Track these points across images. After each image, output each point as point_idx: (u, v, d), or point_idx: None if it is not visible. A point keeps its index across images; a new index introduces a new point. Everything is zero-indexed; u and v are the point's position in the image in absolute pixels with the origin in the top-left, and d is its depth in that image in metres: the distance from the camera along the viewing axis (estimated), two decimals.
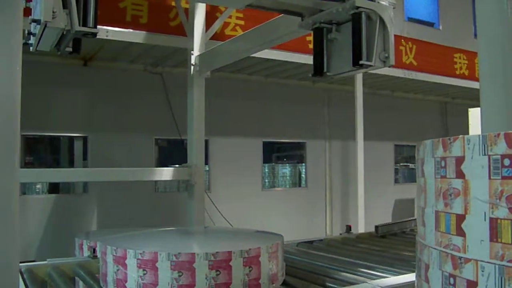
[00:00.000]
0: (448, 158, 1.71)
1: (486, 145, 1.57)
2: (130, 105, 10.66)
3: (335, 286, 4.01)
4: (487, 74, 3.97)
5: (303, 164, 13.53)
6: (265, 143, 12.67)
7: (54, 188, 10.52)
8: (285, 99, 12.65)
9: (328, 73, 5.06)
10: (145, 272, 3.61)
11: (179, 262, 3.57)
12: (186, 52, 8.93)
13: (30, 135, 9.63)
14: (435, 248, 1.77)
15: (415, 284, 2.06)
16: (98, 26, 8.44)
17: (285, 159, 13.81)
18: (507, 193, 1.51)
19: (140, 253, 3.64)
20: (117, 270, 3.75)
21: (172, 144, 11.65)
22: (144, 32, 8.69)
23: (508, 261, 1.50)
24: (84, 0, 3.54)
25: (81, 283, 4.64)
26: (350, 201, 12.79)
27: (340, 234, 6.80)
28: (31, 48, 3.99)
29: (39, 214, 9.61)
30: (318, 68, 5.12)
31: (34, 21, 3.38)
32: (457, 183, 1.66)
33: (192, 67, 8.60)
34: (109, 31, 8.18)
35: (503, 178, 1.52)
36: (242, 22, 9.48)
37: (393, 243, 6.06)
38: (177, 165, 9.92)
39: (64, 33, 3.59)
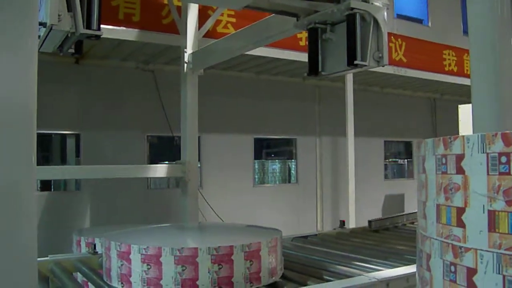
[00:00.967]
0: (449, 156, 1.84)
1: (484, 144, 1.71)
2: (122, 102, 10.72)
3: (332, 279, 4.13)
4: (478, 71, 4.11)
5: (293, 160, 13.65)
6: (255, 140, 12.78)
7: (46, 185, 10.55)
8: (276, 95, 12.76)
9: (323, 73, 5.18)
10: (149, 266, 3.71)
11: (182, 257, 3.67)
12: (178, 49, 9.00)
13: None
14: (436, 239, 1.90)
15: (416, 273, 2.18)
16: None
17: (273, 155, 13.91)
18: (504, 188, 1.65)
19: (144, 248, 3.73)
20: (121, 265, 3.85)
21: (162, 141, 11.73)
22: (136, 30, 8.75)
23: (505, 250, 1.64)
24: (87, 3, 3.61)
25: (79, 277, 4.72)
26: (341, 197, 12.96)
27: (334, 229, 6.93)
28: None
29: None
30: (313, 68, 5.24)
31: (40, 24, 3.46)
32: (458, 179, 1.80)
33: (185, 65, 8.67)
34: (101, 29, 8.22)
35: (500, 174, 1.66)
36: (233, 20, 9.57)
37: (386, 237, 6.21)
38: (167, 162, 10.02)
39: (69, 35, 3.67)
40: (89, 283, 4.51)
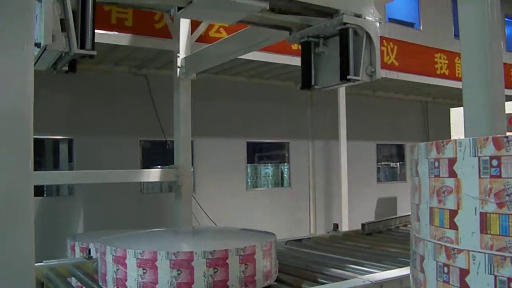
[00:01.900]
0: (441, 159, 1.88)
1: (476, 148, 1.75)
2: (115, 107, 10.71)
3: (327, 282, 4.16)
4: (470, 74, 4.15)
5: (285, 164, 13.68)
6: (248, 143, 12.80)
7: (39, 191, 10.50)
8: (268, 99, 12.79)
9: (316, 87, 5.22)
10: (144, 271, 3.73)
11: (178, 261, 3.70)
12: (170, 54, 9.01)
13: None
14: (429, 241, 1.94)
15: (410, 275, 2.22)
16: None
17: (264, 159, 13.92)
18: (495, 190, 1.69)
19: (140, 253, 3.75)
20: (117, 269, 3.86)
21: (155, 145, 11.73)
22: (129, 34, 8.75)
23: (497, 250, 1.68)
24: (81, 23, 3.61)
25: (74, 282, 4.72)
26: (334, 200, 13.01)
27: (328, 232, 6.97)
28: None
29: None
30: (306, 81, 5.28)
31: (34, 44, 3.44)
32: (450, 182, 1.84)
33: (178, 69, 8.67)
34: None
35: (492, 177, 1.71)
36: (226, 24, 9.59)
37: (379, 240, 6.25)
38: (159, 167, 10.01)
39: (63, 54, 3.68)
40: None
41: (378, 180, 15.30)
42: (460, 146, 1.80)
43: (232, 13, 4.62)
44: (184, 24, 8.78)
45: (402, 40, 12.56)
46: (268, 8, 4.49)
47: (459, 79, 13.38)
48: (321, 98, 13.41)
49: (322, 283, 4.11)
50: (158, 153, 11.81)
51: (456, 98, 14.28)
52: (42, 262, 4.78)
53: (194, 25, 8.88)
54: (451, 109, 8.70)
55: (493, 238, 1.69)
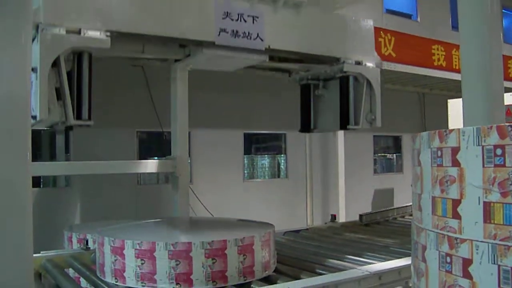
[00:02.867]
0: (444, 149, 1.87)
1: (480, 137, 1.74)
2: (112, 98, 10.63)
3: (325, 272, 4.16)
4: (469, 66, 4.14)
5: (282, 155, 13.65)
6: (245, 135, 12.76)
7: (35, 182, 10.46)
8: (265, 90, 12.74)
9: (315, 130, 5.21)
10: (143, 261, 3.71)
11: (176, 251, 3.68)
12: None
13: None
14: (432, 231, 1.93)
15: (412, 265, 2.21)
16: None
17: (261, 150, 13.89)
18: (499, 179, 1.68)
19: (138, 243, 3.74)
20: (115, 260, 3.85)
21: (152, 136, 11.68)
22: None
23: (500, 240, 1.67)
24: (77, 93, 3.53)
25: (72, 272, 4.71)
26: (331, 192, 13.00)
27: (326, 223, 6.97)
28: None
29: None
30: (305, 125, 5.27)
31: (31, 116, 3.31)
32: (453, 171, 1.82)
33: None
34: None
35: (496, 166, 1.69)
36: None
37: (376, 231, 6.26)
38: (156, 158, 9.98)
39: (60, 123, 3.59)
40: (82, 279, 4.51)
41: (375, 171, 15.30)
42: (463, 135, 1.79)
43: (231, 65, 4.62)
44: None
45: (399, 32, 12.51)
46: (267, 60, 4.49)
47: (456, 71, 13.42)
48: None
49: (321, 274, 4.11)
50: (156, 144, 11.77)
51: (453, 90, 14.26)
52: (39, 253, 4.78)
53: None
54: (449, 100, 8.69)
55: (497, 227, 1.68)
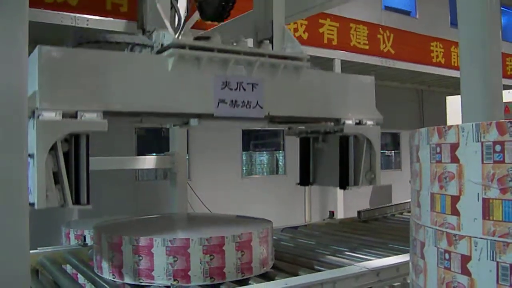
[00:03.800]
0: (443, 145, 1.86)
1: (479, 133, 1.73)
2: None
3: (323, 269, 4.14)
4: (468, 62, 4.13)
5: (281, 151, 13.66)
6: (243, 131, 12.76)
7: None
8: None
9: (314, 184, 5.20)
10: (140, 257, 3.70)
11: (174, 248, 3.68)
12: None
13: None
14: (430, 227, 1.93)
15: (410, 261, 2.21)
16: (78, 15, 8.34)
17: (259, 147, 13.89)
18: (498, 176, 1.68)
19: (136, 239, 3.73)
20: (113, 256, 3.84)
21: (150, 133, 11.67)
22: (124, 20, 8.65)
23: (499, 236, 1.67)
24: (75, 176, 3.50)
25: (69, 269, 4.70)
26: (329, 188, 13.00)
27: (324, 219, 6.97)
28: None
29: None
30: (304, 179, 5.26)
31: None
32: (452, 167, 1.82)
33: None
34: (89, 20, 8.13)
35: (495, 162, 1.69)
36: None
37: (375, 227, 6.26)
38: (154, 154, 9.97)
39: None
40: (79, 275, 4.51)
41: None
42: (462, 131, 1.78)
43: (230, 128, 4.56)
44: (180, 11, 8.68)
45: (398, 28, 12.52)
46: (267, 126, 4.47)
47: (455, 68, 13.42)
48: None
49: (319, 270, 4.10)
50: (154, 140, 11.77)
51: (451, 87, 14.28)
52: (36, 249, 4.77)
53: (189, 12, 8.79)
54: (447, 97, 8.69)
55: (496, 224, 1.68)
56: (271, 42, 4.68)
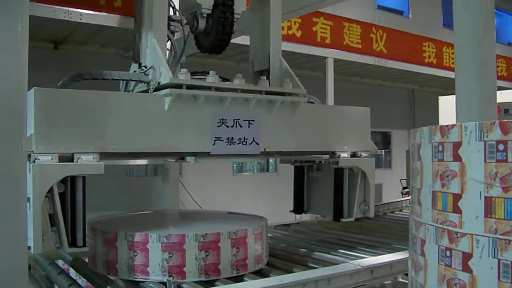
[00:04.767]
0: (446, 143, 1.88)
1: (482, 132, 1.75)
2: (102, 89, 10.54)
3: (317, 266, 4.16)
4: (463, 62, 4.16)
5: None
6: None
7: None
8: None
9: (307, 212, 5.24)
10: (135, 253, 3.70)
11: (169, 244, 3.68)
12: None
13: None
14: (431, 225, 1.94)
15: (409, 259, 2.22)
16: (71, 9, 8.26)
17: None
18: (501, 175, 1.70)
19: (131, 235, 3.72)
20: (107, 252, 3.83)
21: None
22: (118, 15, 8.60)
23: (501, 234, 1.69)
24: (71, 219, 3.49)
25: (61, 264, 4.68)
26: None
27: (316, 217, 6.98)
28: None
29: None
30: (298, 207, 5.29)
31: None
32: (454, 166, 1.84)
33: (167, 51, 8.56)
34: (83, 14, 8.08)
35: (498, 161, 1.71)
36: None
37: (367, 225, 6.28)
38: None
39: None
40: (71, 270, 4.48)
41: None
42: (465, 131, 1.80)
43: (225, 162, 4.55)
44: (175, 45, 8.65)
45: (391, 28, 12.57)
46: (263, 162, 4.49)
47: (447, 68, 13.47)
48: (308, 83, 13.35)
49: (313, 268, 4.12)
50: None
51: (442, 87, 14.36)
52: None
53: None
54: (439, 97, 8.73)
55: (498, 222, 1.70)
56: (268, 74, 4.65)
